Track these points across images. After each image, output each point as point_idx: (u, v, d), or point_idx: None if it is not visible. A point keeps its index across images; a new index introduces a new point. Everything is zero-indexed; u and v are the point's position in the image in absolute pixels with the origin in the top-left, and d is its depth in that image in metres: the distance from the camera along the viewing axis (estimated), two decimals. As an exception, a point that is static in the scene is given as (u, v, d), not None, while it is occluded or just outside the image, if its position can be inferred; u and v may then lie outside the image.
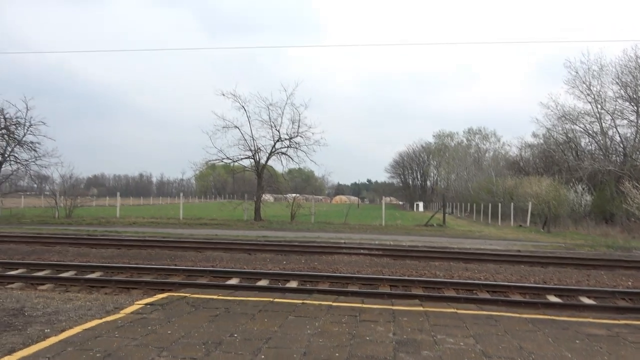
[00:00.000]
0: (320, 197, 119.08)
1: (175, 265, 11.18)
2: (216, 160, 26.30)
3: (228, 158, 26.76)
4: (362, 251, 13.58)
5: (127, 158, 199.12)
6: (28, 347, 4.35)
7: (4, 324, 5.05)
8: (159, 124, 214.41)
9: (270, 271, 10.30)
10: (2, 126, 27.19)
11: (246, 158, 27.24)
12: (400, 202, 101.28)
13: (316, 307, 6.25)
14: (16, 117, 27.41)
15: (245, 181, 38.94)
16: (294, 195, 33.11)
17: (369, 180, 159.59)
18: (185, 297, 6.83)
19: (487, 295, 8.55)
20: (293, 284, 9.08)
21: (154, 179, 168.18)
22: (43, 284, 8.71)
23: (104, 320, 5.36)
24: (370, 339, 4.81)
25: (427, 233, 22.29)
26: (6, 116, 26.99)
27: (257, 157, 27.30)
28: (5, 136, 27.69)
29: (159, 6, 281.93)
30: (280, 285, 8.76)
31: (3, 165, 27.81)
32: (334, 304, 6.54)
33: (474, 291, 8.88)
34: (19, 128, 27.61)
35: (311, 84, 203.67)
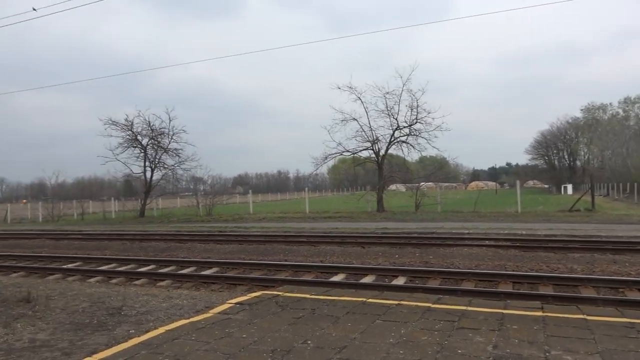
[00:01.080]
0: (454, 184, 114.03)
1: (286, 260, 11.22)
2: (335, 154, 26.44)
3: (347, 151, 26.70)
4: (486, 242, 12.29)
5: (267, 158, 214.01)
6: (109, 348, 4.45)
7: (99, 323, 5.31)
8: (294, 124, 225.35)
9: (379, 266, 9.75)
10: (151, 137, 30.50)
11: (365, 149, 26.90)
12: (546, 185, 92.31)
13: (411, 310, 5.57)
14: (161, 128, 30.62)
15: (375, 172, 38.65)
16: (423, 183, 31.75)
17: (508, 164, 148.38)
18: (278, 295, 6.64)
19: (638, 295, 6.97)
20: (400, 281, 8.43)
21: (291, 175, 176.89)
22: (163, 280, 9.31)
23: (189, 320, 5.36)
24: (461, 353, 4.04)
25: (571, 219, 19.62)
26: (152, 127, 30.26)
27: (377, 147, 26.77)
28: (155, 145, 31.04)
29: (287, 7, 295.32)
30: (382, 283, 8.16)
31: (155, 171, 31.27)
32: (434, 305, 5.77)
33: (620, 290, 7.31)
34: (164, 137, 30.78)
35: (439, 68, 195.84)
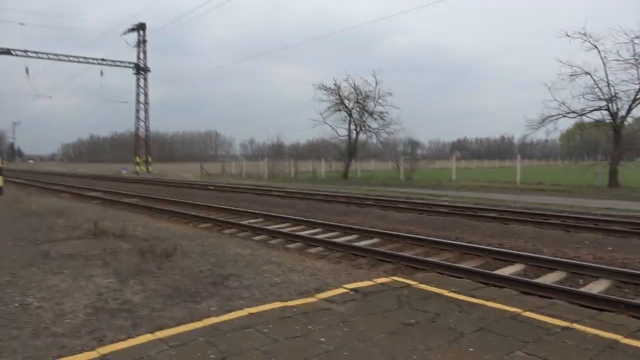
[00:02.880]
0: None
1: (457, 238, 9.51)
2: (557, 115, 22.02)
3: (572, 112, 22.03)
4: None
5: (492, 122, 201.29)
6: (173, 327, 3.93)
7: (194, 293, 4.92)
8: (522, 85, 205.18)
9: (575, 260, 7.35)
10: (356, 100, 30.83)
11: (596, 109, 21.78)
12: None
13: (584, 340, 3.65)
14: (367, 92, 30.66)
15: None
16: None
17: None
18: (409, 286, 5.31)
19: None
20: (597, 287, 6.07)
21: (515, 141, 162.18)
22: (315, 247, 8.81)
23: (284, 304, 4.54)
24: None
25: None
26: (358, 91, 30.50)
27: (614, 106, 21.40)
28: (360, 109, 31.34)
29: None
30: (564, 287, 5.92)
31: (359, 134, 31.71)
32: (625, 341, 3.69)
33: None
34: (370, 101, 30.77)
35: None
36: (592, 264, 6.99)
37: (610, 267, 6.77)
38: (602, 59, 21.60)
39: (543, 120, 22.33)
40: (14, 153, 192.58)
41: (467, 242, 8.91)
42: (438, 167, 47.76)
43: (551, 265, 7.02)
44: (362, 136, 31.70)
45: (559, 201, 16.18)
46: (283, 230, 10.36)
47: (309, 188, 23.71)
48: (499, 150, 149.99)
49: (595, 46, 21.48)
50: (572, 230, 10.01)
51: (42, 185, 28.85)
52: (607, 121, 22.21)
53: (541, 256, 7.56)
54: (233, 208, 14.37)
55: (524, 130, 23.79)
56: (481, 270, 6.71)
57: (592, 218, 11.44)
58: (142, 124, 45.91)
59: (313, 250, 8.57)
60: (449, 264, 7.05)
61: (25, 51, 37.65)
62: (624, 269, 6.65)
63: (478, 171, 47.76)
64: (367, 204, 15.19)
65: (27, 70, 37.83)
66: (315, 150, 37.72)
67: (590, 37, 21.48)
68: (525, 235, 9.82)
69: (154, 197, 18.41)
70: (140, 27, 42.98)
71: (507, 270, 6.89)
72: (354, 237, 9.86)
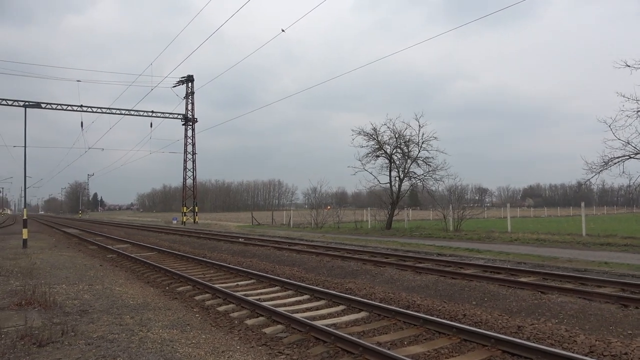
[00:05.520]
0: None
1: (466, 318, 7.28)
2: (621, 157, 18.73)
3: (642, 152, 18.71)
4: None
5: (568, 167, 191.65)
6: None
7: None
8: (597, 126, 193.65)
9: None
10: (396, 145, 29.12)
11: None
12: None
13: None
14: (409, 136, 28.86)
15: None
16: None
17: None
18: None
19: None
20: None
21: (594, 187, 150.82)
22: (276, 324, 6.97)
23: None
24: None
25: None
26: (397, 135, 28.78)
27: None
28: (402, 154, 29.46)
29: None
30: None
31: (403, 181, 29.60)
32: None
33: None
34: (413, 145, 28.86)
35: None
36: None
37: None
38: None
39: (606, 163, 19.13)
40: (97, 203, 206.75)
41: (475, 322, 6.74)
42: (503, 216, 44.05)
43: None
44: (406, 183, 29.55)
45: (627, 259, 13.18)
46: (251, 299, 8.56)
47: (340, 240, 21.84)
48: (576, 197, 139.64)
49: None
50: (631, 306, 7.48)
51: (85, 236, 29.11)
52: None
53: (569, 355, 5.25)
54: (231, 266, 12.86)
55: (583, 175, 20.11)
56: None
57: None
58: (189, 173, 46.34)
59: (263, 325, 6.75)
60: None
61: (81, 106, 39.75)
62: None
63: (545, 220, 43.45)
64: (386, 262, 13.11)
65: (82, 125, 39.83)
66: (376, 198, 35.83)
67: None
68: (564, 311, 7.41)
69: (170, 252, 17.38)
70: (189, 79, 44.23)
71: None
72: (339, 308, 7.95)
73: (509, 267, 11.97)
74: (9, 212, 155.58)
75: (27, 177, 21.40)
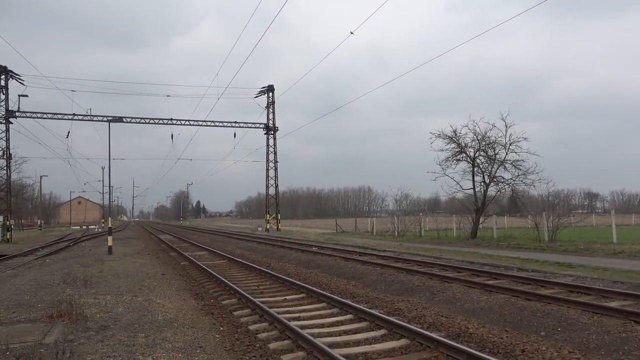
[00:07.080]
0: None
1: (524, 354, 5.99)
2: None
3: None
4: None
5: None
6: None
7: None
8: None
9: None
10: (478, 148, 27.11)
11: None
12: None
13: None
14: (495, 137, 26.71)
15: None
16: None
17: None
18: None
19: None
20: None
21: None
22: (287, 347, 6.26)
23: None
24: None
25: None
26: (479, 137, 26.75)
27: None
28: (487, 157, 27.35)
29: None
30: None
31: (489, 186, 27.39)
32: None
33: None
34: (499, 147, 26.67)
35: None
36: None
37: None
38: None
39: None
40: (199, 210, 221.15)
41: (533, 363, 5.48)
42: (617, 224, 38.98)
43: None
44: (492, 189, 27.21)
45: None
46: (283, 317, 7.94)
47: (415, 250, 20.54)
48: None
49: None
50: None
51: (173, 242, 30.57)
52: None
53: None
54: (287, 278, 12.36)
55: None
56: None
57: None
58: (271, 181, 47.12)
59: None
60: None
61: (171, 119, 42.24)
62: None
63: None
64: (453, 277, 11.80)
65: (172, 137, 42.46)
66: (460, 205, 33.91)
67: None
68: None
69: (238, 260, 17.42)
70: (270, 89, 45.00)
71: None
72: (379, 333, 7.05)
73: (600, 286, 10.15)
74: (125, 218, 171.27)
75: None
